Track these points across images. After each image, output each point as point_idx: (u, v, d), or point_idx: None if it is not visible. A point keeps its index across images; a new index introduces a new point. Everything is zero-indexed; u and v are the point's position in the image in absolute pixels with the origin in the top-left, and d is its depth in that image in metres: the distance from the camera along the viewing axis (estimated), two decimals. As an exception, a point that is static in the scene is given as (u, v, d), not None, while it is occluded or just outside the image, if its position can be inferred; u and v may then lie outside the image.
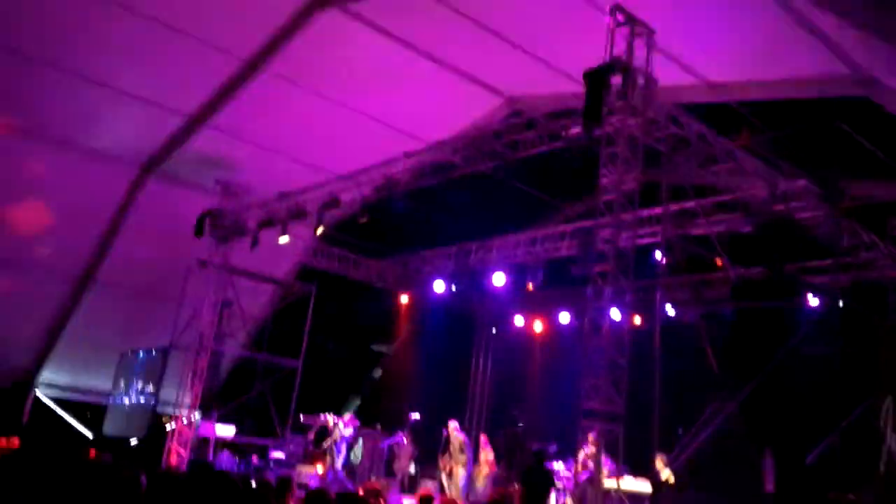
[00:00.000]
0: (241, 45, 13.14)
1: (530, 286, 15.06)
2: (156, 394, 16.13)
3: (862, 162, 9.02)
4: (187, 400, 15.35)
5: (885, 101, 9.21)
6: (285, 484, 6.65)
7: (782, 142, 9.91)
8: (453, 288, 16.56)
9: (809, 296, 9.58)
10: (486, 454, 15.56)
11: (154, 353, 16.74)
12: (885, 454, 7.72)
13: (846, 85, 9.52)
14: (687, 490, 8.71)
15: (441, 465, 14.62)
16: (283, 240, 14.87)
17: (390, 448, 16.79)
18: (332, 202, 13.90)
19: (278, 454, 16.06)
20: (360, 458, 16.12)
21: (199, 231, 15.35)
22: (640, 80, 9.23)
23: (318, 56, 13.22)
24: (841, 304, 7.99)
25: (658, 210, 10.64)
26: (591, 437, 9.29)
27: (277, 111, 14.60)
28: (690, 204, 10.64)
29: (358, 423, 15.49)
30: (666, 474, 9.17)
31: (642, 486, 10.42)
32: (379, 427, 17.07)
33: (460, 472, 14.23)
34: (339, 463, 15.27)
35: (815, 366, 8.34)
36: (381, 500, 7.36)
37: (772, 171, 10.23)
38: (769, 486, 8.42)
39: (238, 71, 13.64)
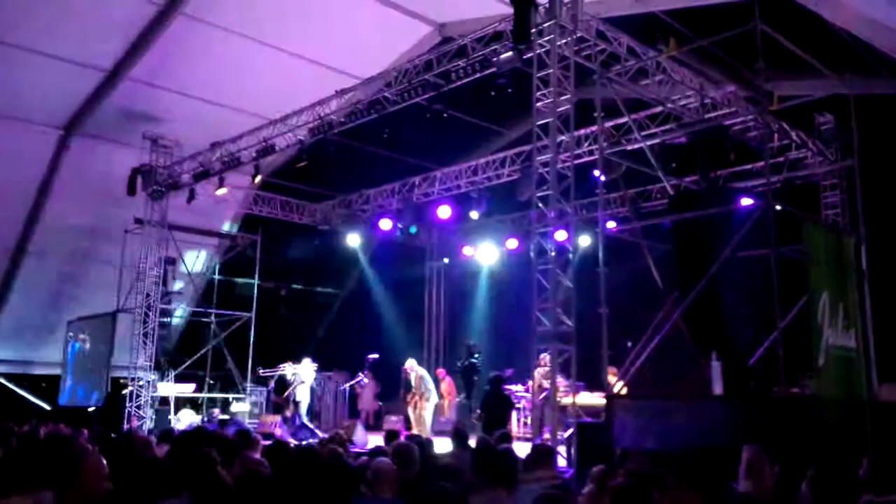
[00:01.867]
0: (154, -12, 12.54)
1: (474, 214, 15.04)
2: (108, 358, 15.88)
3: (786, 61, 9.08)
4: (142, 361, 15.18)
5: (805, -1, 9.24)
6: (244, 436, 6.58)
7: (708, 49, 9.89)
8: (399, 225, 16.42)
9: (744, 200, 9.75)
10: (447, 385, 15.83)
11: (102, 317, 16.41)
12: (823, 348, 7.99)
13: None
14: (639, 399, 8.94)
15: (406, 401, 14.82)
16: (221, 192, 14.56)
17: (352, 388, 16.94)
18: (268, 149, 13.58)
19: (240, 406, 16.08)
20: None
21: (131, 189, 14.92)
22: (567, -4, 9.08)
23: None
24: (776, 206, 8.16)
25: (593, 128, 10.61)
26: (544, 358, 9.47)
27: (200, 56, 14.05)
28: (624, 119, 10.62)
29: (316, 365, 15.53)
30: (619, 386, 9.40)
31: (597, 399, 10.71)
32: (338, 370, 17.17)
33: (426, 406, 14.44)
34: (303, 409, 15.35)
35: (753, 268, 8.55)
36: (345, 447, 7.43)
37: (700, 80, 10.25)
38: (717, 389, 8.71)
39: (155, 16, 13.03)
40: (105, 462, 3.41)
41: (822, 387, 8.00)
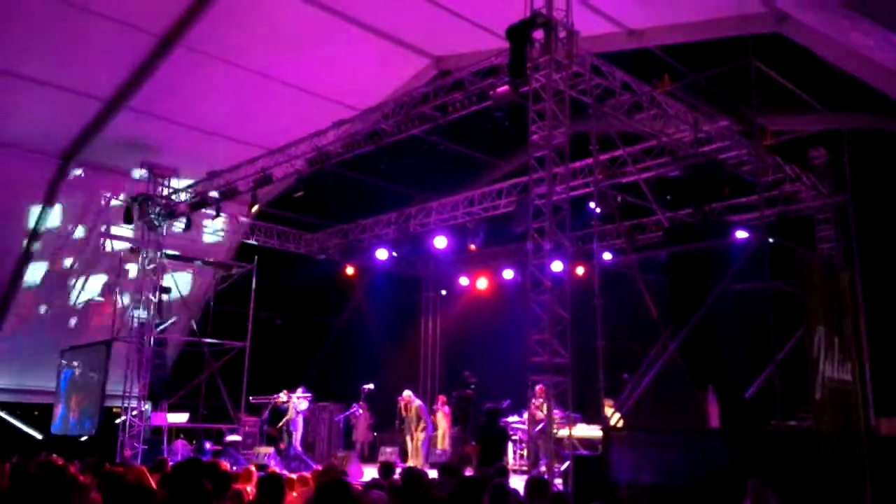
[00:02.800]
0: (154, 21, 12.67)
1: (472, 246, 15.08)
2: (102, 388, 15.74)
3: (779, 97, 9.19)
4: (135, 391, 15.05)
5: (797, 35, 9.38)
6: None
7: (702, 84, 10.02)
8: (395, 255, 16.46)
9: (738, 233, 9.80)
10: (443, 415, 15.74)
11: (96, 345, 16.31)
12: (819, 381, 8.00)
13: (760, 22, 9.67)
14: (636, 431, 8.91)
15: (401, 432, 14.73)
16: (218, 221, 14.57)
17: (347, 419, 16.82)
18: (266, 179, 13.61)
19: (234, 437, 15.93)
20: None
21: (128, 217, 14.91)
22: (562, 33, 9.20)
23: (237, 26, 12.83)
24: (769, 239, 8.20)
25: (589, 161, 10.69)
26: (538, 389, 9.43)
27: (199, 87, 14.17)
28: (619, 152, 10.72)
29: (311, 395, 15.43)
30: (615, 419, 9.36)
31: (594, 431, 10.63)
32: (333, 401, 17.07)
33: (420, 437, 14.37)
34: (297, 439, 15.24)
35: (748, 302, 8.57)
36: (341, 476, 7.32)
37: (694, 114, 10.36)
38: (714, 422, 8.68)
39: (154, 48, 13.17)
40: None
41: (820, 420, 7.99)
